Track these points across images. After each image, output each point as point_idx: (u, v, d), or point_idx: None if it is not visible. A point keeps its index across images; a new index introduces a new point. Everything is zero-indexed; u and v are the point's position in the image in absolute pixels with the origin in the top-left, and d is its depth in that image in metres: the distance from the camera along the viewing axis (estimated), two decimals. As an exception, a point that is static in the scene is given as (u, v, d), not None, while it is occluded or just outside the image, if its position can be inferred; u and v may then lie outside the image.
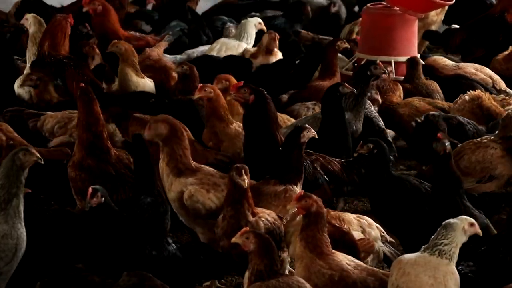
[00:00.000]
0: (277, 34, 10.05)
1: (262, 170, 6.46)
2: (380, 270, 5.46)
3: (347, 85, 7.21)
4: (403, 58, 9.55)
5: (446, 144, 6.02)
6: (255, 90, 6.78)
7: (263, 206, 6.04)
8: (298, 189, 6.17)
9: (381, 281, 5.23)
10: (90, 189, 5.71)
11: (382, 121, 8.05)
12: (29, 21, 9.33)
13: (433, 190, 6.15)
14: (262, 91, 6.84)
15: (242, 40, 10.43)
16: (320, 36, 11.48)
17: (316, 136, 6.36)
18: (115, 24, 9.79)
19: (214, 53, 10.14)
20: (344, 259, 5.28)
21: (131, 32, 10.18)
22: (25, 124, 7.84)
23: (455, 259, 5.20)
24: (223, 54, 10.11)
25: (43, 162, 5.56)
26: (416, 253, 5.22)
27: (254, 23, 10.55)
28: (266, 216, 5.80)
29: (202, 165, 6.37)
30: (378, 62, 7.84)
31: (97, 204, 5.66)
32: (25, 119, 7.91)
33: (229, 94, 7.11)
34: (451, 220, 5.24)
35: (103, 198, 5.68)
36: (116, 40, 9.00)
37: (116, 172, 6.68)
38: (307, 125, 6.41)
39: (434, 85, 9.08)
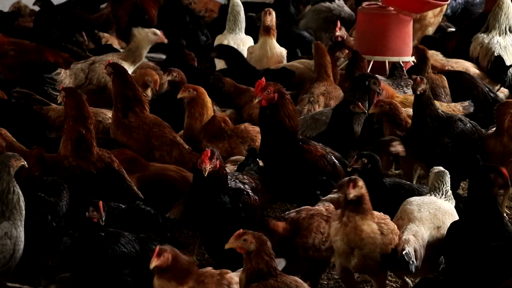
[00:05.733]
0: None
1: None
2: None
3: (360, 105, 7.17)
4: (397, 58, 9.59)
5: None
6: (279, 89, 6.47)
7: None
8: None
9: None
10: None
11: None
12: None
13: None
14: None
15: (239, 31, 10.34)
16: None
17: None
18: None
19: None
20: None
21: None
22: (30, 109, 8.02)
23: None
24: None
25: (27, 166, 5.83)
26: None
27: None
28: None
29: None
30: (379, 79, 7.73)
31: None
32: (30, 104, 8.09)
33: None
34: (440, 168, 5.95)
35: None
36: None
37: (97, 171, 6.62)
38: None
39: (441, 80, 8.83)
